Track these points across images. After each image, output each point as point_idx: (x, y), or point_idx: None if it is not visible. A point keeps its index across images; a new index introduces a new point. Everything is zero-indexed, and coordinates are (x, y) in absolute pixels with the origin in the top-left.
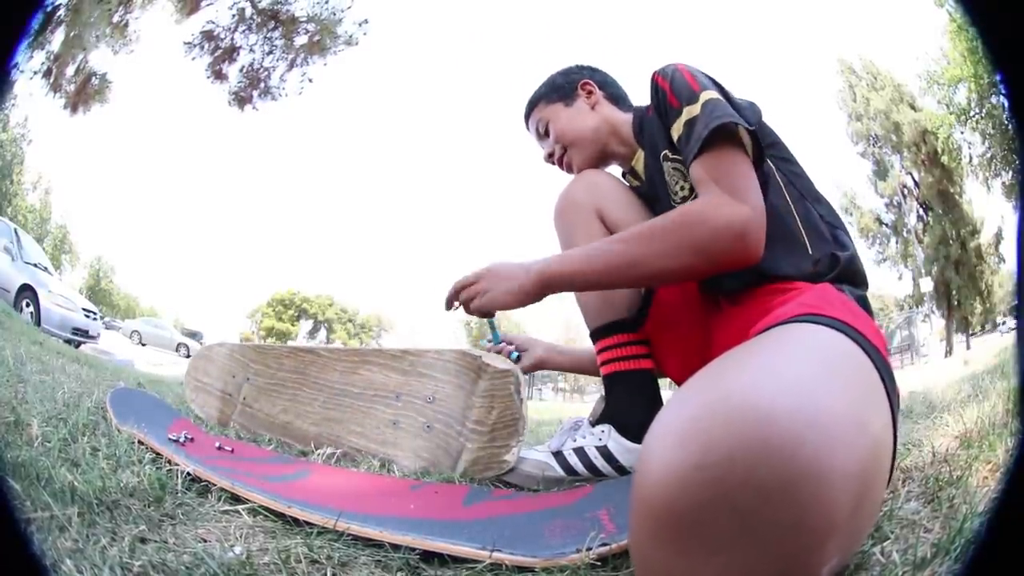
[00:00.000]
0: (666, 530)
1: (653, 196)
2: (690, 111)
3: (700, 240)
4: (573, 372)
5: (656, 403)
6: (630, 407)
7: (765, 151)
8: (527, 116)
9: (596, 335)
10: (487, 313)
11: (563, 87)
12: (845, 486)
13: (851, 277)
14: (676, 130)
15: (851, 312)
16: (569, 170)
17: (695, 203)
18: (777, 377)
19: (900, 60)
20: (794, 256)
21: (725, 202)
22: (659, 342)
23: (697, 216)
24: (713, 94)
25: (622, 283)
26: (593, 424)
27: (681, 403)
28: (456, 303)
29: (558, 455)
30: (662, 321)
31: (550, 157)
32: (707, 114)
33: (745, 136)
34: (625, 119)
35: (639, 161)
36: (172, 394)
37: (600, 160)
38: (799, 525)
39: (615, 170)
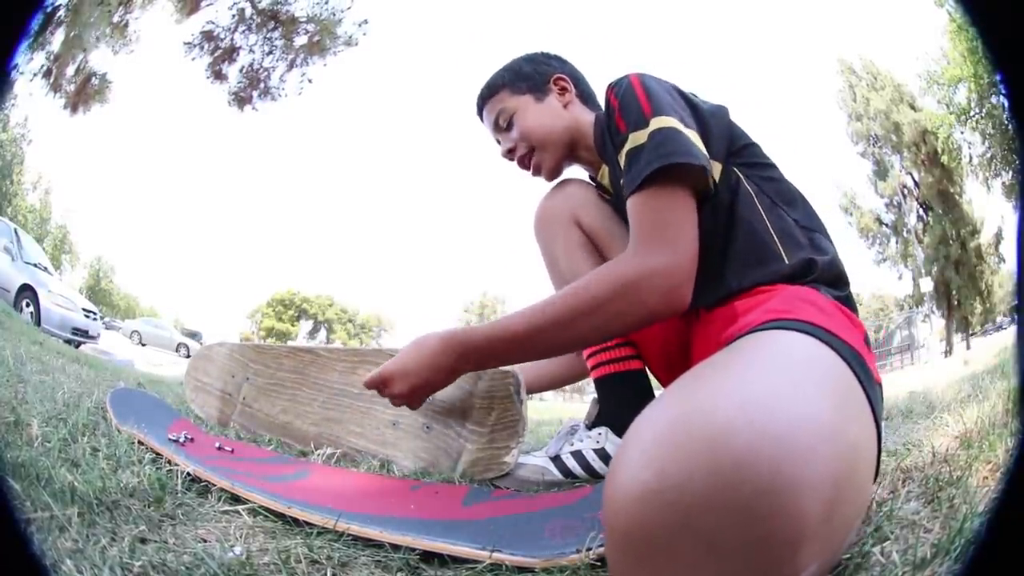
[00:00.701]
0: (633, 552)
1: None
2: (635, 139)
3: (629, 308)
4: (541, 391)
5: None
6: (625, 408)
7: (732, 159)
8: (484, 101)
9: None
10: None
11: (533, 78)
12: (813, 495)
13: (831, 281)
14: (621, 157)
15: (822, 311)
16: (536, 172)
17: (615, 265)
18: (733, 393)
19: (900, 60)
20: (768, 268)
21: (648, 258)
22: (643, 346)
23: (623, 281)
24: (664, 121)
25: (561, 354)
26: (589, 427)
27: (643, 424)
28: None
29: (556, 460)
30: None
31: (510, 153)
32: (652, 148)
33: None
34: (592, 123)
35: (605, 176)
36: (172, 394)
37: (567, 163)
38: (767, 539)
39: (583, 174)
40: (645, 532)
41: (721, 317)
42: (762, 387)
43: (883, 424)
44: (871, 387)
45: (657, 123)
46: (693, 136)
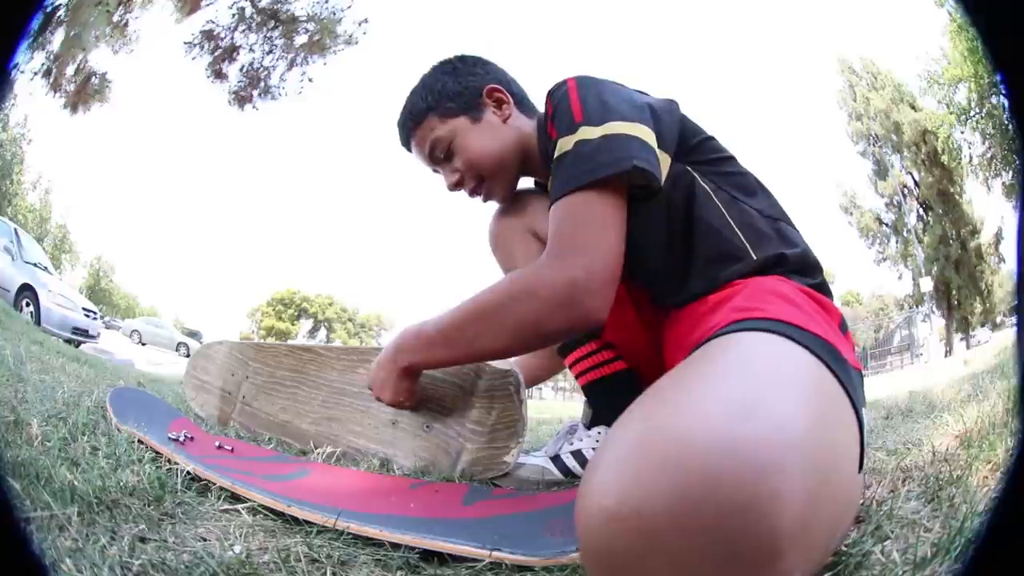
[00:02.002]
0: (604, 573)
1: None
2: (562, 145)
3: (527, 317)
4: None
5: None
6: (618, 409)
7: (686, 157)
8: (410, 132)
9: (563, 351)
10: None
11: (462, 95)
12: (785, 506)
13: (802, 270)
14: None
15: (790, 303)
16: (487, 199)
17: (523, 272)
18: (692, 410)
19: (900, 60)
20: (735, 264)
21: (550, 263)
22: (621, 348)
23: (522, 288)
24: (590, 132)
25: (481, 361)
26: (588, 427)
27: (606, 446)
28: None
29: (556, 459)
30: (617, 327)
31: (457, 186)
32: (576, 160)
33: (625, 152)
34: (534, 128)
35: None
36: (172, 393)
37: (518, 181)
38: (740, 557)
39: (531, 182)
40: (613, 556)
41: (689, 316)
42: (724, 399)
43: (864, 411)
44: (846, 376)
45: (583, 133)
46: (634, 129)
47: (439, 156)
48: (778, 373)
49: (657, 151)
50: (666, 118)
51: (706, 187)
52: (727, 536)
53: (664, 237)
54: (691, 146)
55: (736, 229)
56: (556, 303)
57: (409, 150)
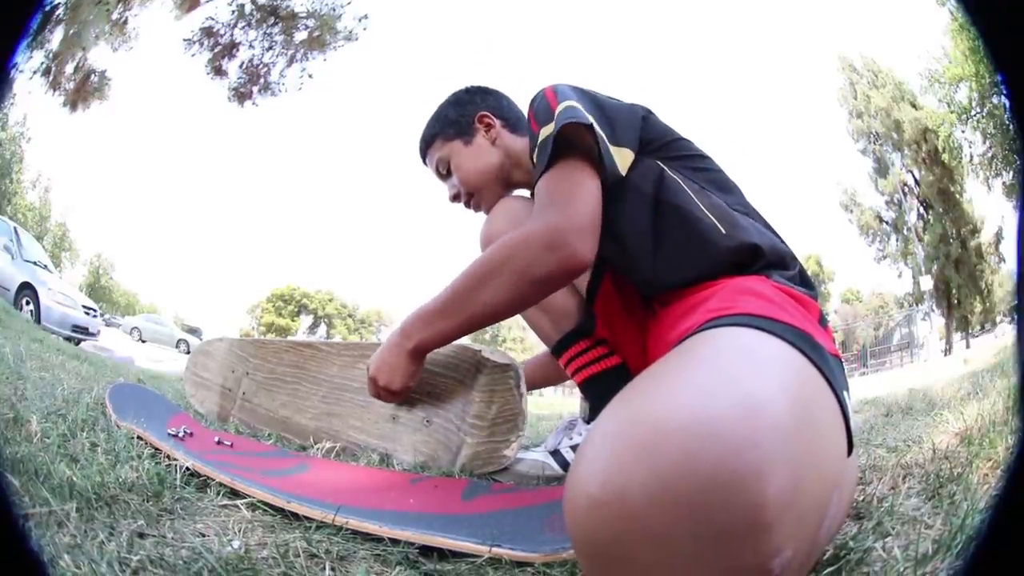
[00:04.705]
0: (596, 562)
1: None
2: (544, 131)
3: (518, 266)
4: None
5: None
6: None
7: (656, 154)
8: (423, 154)
9: (557, 350)
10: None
11: (459, 122)
12: (765, 481)
13: (778, 263)
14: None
15: (764, 300)
16: (477, 210)
17: (509, 233)
18: (666, 397)
19: (901, 58)
20: (709, 246)
21: (533, 219)
22: (612, 344)
23: (510, 244)
24: (562, 105)
25: (484, 325)
26: (587, 422)
27: (589, 439)
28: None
29: (555, 454)
30: (608, 324)
31: (455, 199)
32: (551, 136)
33: (587, 137)
34: (525, 145)
35: None
36: (172, 390)
37: (507, 193)
38: (726, 533)
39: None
40: (600, 543)
41: (669, 317)
42: (698, 385)
43: (846, 395)
44: (822, 361)
45: (559, 108)
46: (589, 117)
47: (442, 172)
48: (751, 359)
49: (609, 145)
50: (624, 117)
51: (676, 177)
52: (710, 514)
53: (635, 223)
54: (662, 144)
55: (705, 211)
56: (542, 246)
57: (426, 165)
